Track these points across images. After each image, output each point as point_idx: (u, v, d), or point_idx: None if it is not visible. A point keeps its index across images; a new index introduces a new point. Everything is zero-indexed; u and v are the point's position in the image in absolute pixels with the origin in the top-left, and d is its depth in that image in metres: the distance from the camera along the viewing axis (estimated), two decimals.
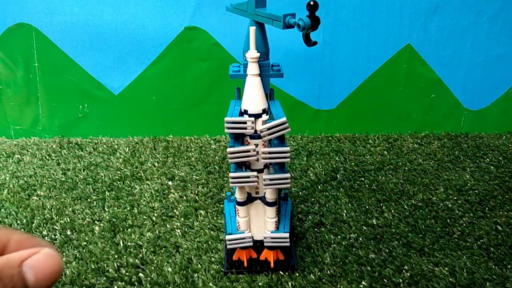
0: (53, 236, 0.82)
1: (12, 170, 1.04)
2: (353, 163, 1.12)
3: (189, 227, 0.86)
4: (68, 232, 0.83)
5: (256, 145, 0.68)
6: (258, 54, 0.65)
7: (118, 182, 1.00)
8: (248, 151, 0.65)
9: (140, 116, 1.25)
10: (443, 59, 1.29)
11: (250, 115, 0.66)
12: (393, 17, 1.23)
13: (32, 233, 0.82)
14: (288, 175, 0.67)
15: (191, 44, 1.21)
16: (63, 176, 1.02)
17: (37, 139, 1.21)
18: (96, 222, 0.87)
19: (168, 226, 0.86)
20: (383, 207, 0.94)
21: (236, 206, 0.73)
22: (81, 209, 0.90)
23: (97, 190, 0.97)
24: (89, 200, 0.94)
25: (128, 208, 0.91)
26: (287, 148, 0.65)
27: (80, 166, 1.07)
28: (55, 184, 0.99)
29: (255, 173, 0.67)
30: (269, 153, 0.65)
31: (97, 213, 0.89)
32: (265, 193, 0.71)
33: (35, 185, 0.98)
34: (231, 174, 0.67)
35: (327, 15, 1.21)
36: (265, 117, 0.67)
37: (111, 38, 1.18)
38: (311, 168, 1.09)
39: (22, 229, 0.83)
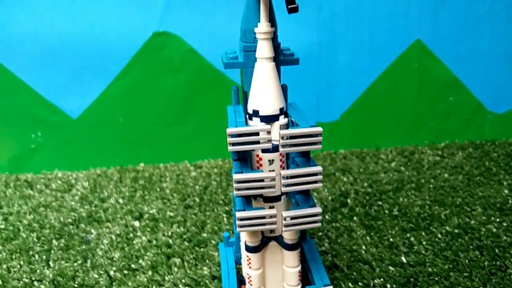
0: None
1: None
2: (365, 184, 0.91)
3: (158, 283, 0.64)
4: None
5: (271, 161, 0.47)
6: (273, 28, 0.45)
7: (71, 227, 0.79)
8: (263, 179, 0.44)
9: (104, 143, 1.05)
10: (459, 54, 1.10)
11: (263, 118, 0.46)
12: (398, 9, 1.05)
13: None
14: (318, 209, 0.46)
15: (161, 52, 1.01)
16: (3, 222, 0.81)
17: None
18: (35, 283, 0.65)
19: (130, 283, 0.64)
20: (411, 238, 0.72)
21: (246, 253, 0.51)
22: (19, 266, 0.69)
23: (42, 238, 0.76)
24: (30, 252, 0.72)
25: (80, 262, 0.69)
26: (319, 168, 0.44)
27: (25, 209, 0.85)
28: None
29: (273, 211, 0.46)
30: (292, 177, 0.44)
31: (38, 271, 0.67)
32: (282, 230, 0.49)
33: None
34: (239, 214, 0.46)
35: (320, 10, 1.03)
36: (283, 120, 0.47)
37: (65, 51, 0.99)
38: (315, 193, 0.88)
39: None
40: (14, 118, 1.02)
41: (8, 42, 0.97)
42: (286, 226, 0.46)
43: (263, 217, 0.46)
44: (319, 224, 0.47)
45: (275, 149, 0.47)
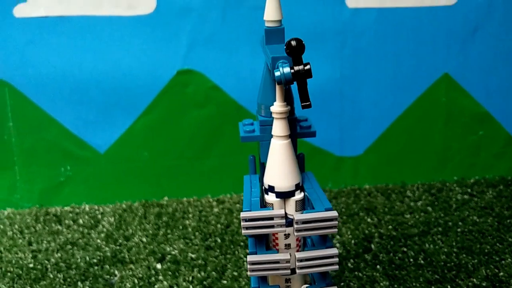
0: None
1: None
2: (390, 226, 0.89)
3: None
4: None
5: (287, 235, 0.47)
6: (289, 107, 0.45)
7: (96, 268, 0.81)
8: (278, 261, 0.44)
9: (130, 177, 1.07)
10: (489, 87, 1.07)
11: (278, 194, 0.46)
12: (424, 43, 1.03)
13: None
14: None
15: (186, 89, 1.03)
16: (32, 260, 0.83)
17: (12, 211, 1.03)
18: None
19: None
20: None
21: None
22: None
23: (68, 280, 0.78)
24: None
25: None
26: (335, 251, 0.44)
27: (53, 246, 0.88)
28: (21, 272, 0.80)
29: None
30: (306, 259, 0.44)
31: None
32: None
33: None
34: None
35: (344, 45, 1.02)
36: (299, 195, 0.47)
37: (93, 88, 1.02)
38: (337, 236, 0.87)
39: None
40: (45, 152, 1.06)
41: (40, 80, 1.01)
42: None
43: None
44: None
45: (290, 223, 0.46)
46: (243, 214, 0.43)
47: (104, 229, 0.93)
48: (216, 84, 1.03)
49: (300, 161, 0.53)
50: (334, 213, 0.43)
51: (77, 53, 1.00)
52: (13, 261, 0.84)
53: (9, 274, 0.80)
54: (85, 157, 1.06)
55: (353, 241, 0.85)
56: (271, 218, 0.44)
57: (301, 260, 0.45)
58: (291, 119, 0.49)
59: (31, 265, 0.82)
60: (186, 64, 1.02)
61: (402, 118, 1.07)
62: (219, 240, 0.87)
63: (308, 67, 0.39)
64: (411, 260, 0.78)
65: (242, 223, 0.43)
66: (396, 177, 1.08)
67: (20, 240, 0.91)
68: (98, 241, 0.89)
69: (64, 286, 0.76)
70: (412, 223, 0.90)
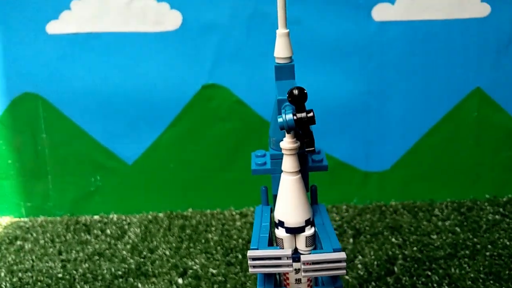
0: None
1: (10, 262, 0.90)
2: (415, 247, 0.87)
3: None
4: None
5: (297, 270, 0.47)
6: (298, 144, 0.45)
7: (120, 280, 0.83)
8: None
9: (156, 188, 1.09)
10: None
11: (288, 230, 0.46)
12: (455, 56, 1.00)
13: None
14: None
15: (210, 103, 1.04)
16: (61, 270, 0.87)
17: (44, 219, 1.08)
18: None
19: None
20: None
21: None
22: None
23: None
24: None
25: None
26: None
27: (82, 257, 0.91)
28: (50, 282, 0.84)
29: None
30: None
31: None
32: None
33: (28, 284, 0.83)
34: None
35: (370, 58, 1.00)
36: (309, 231, 0.47)
37: (120, 102, 1.05)
38: (360, 256, 0.85)
39: None
40: (76, 163, 1.10)
41: (71, 94, 1.05)
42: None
43: (279, 258, 0.44)
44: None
45: (299, 258, 0.46)
46: (250, 253, 0.43)
47: (130, 241, 0.96)
48: (240, 98, 1.03)
49: (313, 193, 0.52)
50: (342, 255, 0.42)
51: (106, 68, 1.03)
52: (44, 270, 0.87)
53: (39, 283, 0.84)
54: (114, 168, 1.09)
55: (375, 262, 0.83)
56: (279, 258, 0.43)
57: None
58: (302, 153, 0.48)
59: (60, 275, 0.86)
60: (211, 79, 1.03)
61: (431, 133, 1.04)
62: (240, 256, 0.88)
63: (311, 114, 0.39)
64: (435, 285, 0.76)
65: (249, 262, 0.43)
66: (424, 194, 1.05)
67: (51, 249, 0.95)
68: (124, 252, 0.92)
69: None
70: (439, 245, 0.87)
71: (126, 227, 1.02)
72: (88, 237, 0.99)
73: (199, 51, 1.02)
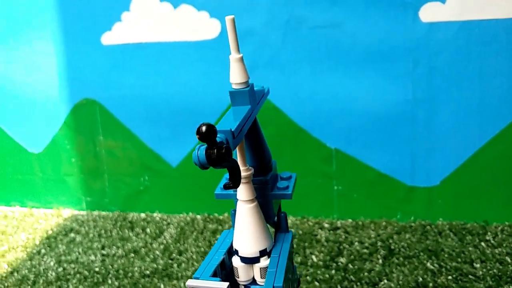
0: None
1: (59, 253, 1.01)
2: (450, 276, 0.77)
3: None
4: None
5: None
6: (251, 171, 0.44)
7: (147, 279, 0.88)
8: None
9: (196, 191, 1.13)
10: None
11: (242, 259, 0.45)
12: None
13: None
14: None
15: None
16: (99, 264, 0.95)
17: (98, 214, 1.18)
18: None
19: None
20: None
21: None
22: None
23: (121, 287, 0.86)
24: None
25: None
26: None
27: (120, 253, 0.98)
28: (87, 274, 0.92)
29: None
30: None
31: None
32: None
33: (70, 275, 0.92)
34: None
35: (417, 64, 0.91)
36: (264, 262, 0.45)
37: (164, 108, 1.10)
38: (385, 280, 0.79)
39: None
40: (128, 164, 1.18)
41: (122, 100, 1.13)
42: None
43: None
44: None
45: None
46: (188, 283, 0.43)
47: (164, 241, 1.00)
48: (275, 105, 1.02)
49: (282, 221, 0.50)
50: None
51: (152, 76, 1.09)
52: (85, 263, 0.96)
53: (78, 275, 0.92)
54: (160, 170, 1.15)
55: None
56: None
57: None
58: (265, 180, 0.46)
59: (97, 269, 0.93)
60: None
61: (487, 147, 0.92)
62: None
63: (222, 151, 0.36)
64: None
65: None
66: (477, 215, 0.94)
67: (96, 244, 1.03)
68: (157, 252, 0.97)
69: None
70: (480, 275, 0.77)
71: (165, 227, 1.07)
72: (130, 234, 1.06)
73: None
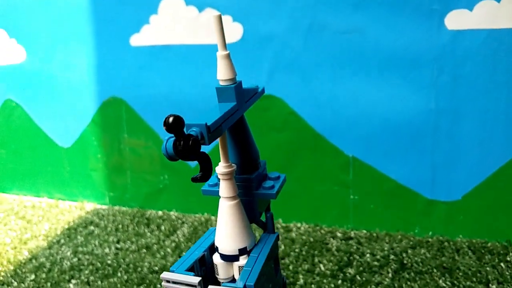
0: None
1: (77, 244, 1.04)
2: None
3: None
4: None
5: None
6: (233, 168, 0.44)
7: (154, 275, 0.89)
8: None
9: None
10: None
11: (222, 256, 0.45)
12: None
13: None
14: None
15: (265, 113, 1.04)
16: (112, 257, 0.97)
17: (118, 209, 1.22)
18: None
19: None
20: None
21: None
22: None
23: (129, 282, 0.88)
24: None
25: None
26: None
27: (133, 248, 1.00)
28: (99, 266, 0.94)
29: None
30: None
31: None
32: None
33: (83, 265, 0.95)
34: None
35: (441, 72, 0.88)
36: (243, 260, 0.45)
37: (187, 109, 1.12)
38: None
39: None
40: (149, 162, 1.20)
41: (147, 100, 1.16)
42: None
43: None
44: None
45: None
46: (163, 275, 0.43)
47: (176, 239, 1.02)
48: (294, 110, 1.01)
49: (268, 222, 0.49)
50: None
51: (176, 77, 1.11)
52: (99, 255, 0.99)
53: (91, 266, 0.95)
54: (179, 169, 1.17)
55: None
56: (191, 285, 0.42)
57: None
58: (250, 179, 0.46)
59: (109, 261, 0.96)
60: (267, 90, 1.02)
61: None
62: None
63: (188, 143, 0.36)
64: None
65: (163, 283, 0.43)
66: (499, 234, 0.88)
67: (112, 237, 1.06)
68: (168, 250, 0.98)
69: (123, 287, 0.87)
70: None
71: (179, 225, 1.08)
72: (146, 230, 1.08)
73: (257, 62, 1.03)
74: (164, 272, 0.43)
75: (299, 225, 1.02)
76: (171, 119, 0.35)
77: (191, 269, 0.44)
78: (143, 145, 1.20)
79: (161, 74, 1.13)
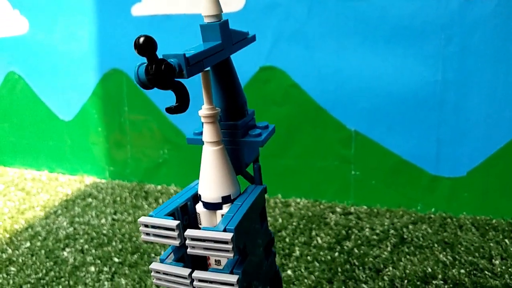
0: None
1: (73, 215, 1.03)
2: (464, 270, 0.71)
3: None
4: None
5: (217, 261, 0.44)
6: (218, 110, 0.42)
7: (149, 244, 0.88)
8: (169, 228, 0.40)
9: None
10: None
11: (205, 205, 0.43)
12: None
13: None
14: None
15: (266, 86, 1.01)
16: (108, 227, 0.96)
17: (118, 183, 1.20)
18: None
19: None
20: None
21: None
22: (91, 273, 0.80)
23: (123, 250, 0.87)
24: (108, 262, 0.83)
25: (136, 281, 0.77)
26: (233, 279, 0.38)
27: (130, 219, 0.99)
28: (94, 235, 0.93)
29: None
30: (204, 281, 0.40)
31: (100, 282, 0.77)
32: None
33: (78, 235, 0.94)
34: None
35: (449, 42, 0.85)
36: (226, 209, 0.43)
37: (187, 81, 1.09)
38: (390, 267, 0.73)
39: (34, 281, 0.78)
40: (150, 136, 1.19)
41: None
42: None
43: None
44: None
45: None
46: (140, 219, 0.41)
47: None
48: (296, 82, 0.98)
49: (255, 173, 0.47)
50: (227, 235, 0.37)
51: (177, 47, 1.08)
52: (96, 225, 0.97)
53: (86, 235, 0.93)
54: (179, 144, 1.15)
55: (407, 278, 0.70)
56: (172, 229, 0.40)
57: (199, 280, 0.40)
58: (235, 125, 0.44)
59: (104, 231, 0.94)
60: (268, 61, 1.00)
61: None
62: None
63: (161, 67, 0.33)
64: None
65: (140, 229, 0.41)
66: (505, 211, 0.85)
67: (109, 209, 1.05)
68: None
69: (117, 255, 0.85)
70: (498, 272, 0.69)
71: None
72: (144, 203, 1.07)
73: (259, 32, 0.99)
74: (143, 217, 0.41)
75: (298, 200, 1.00)
76: (141, 39, 0.33)
77: (172, 216, 0.42)
78: (143, 118, 1.18)
79: (162, 45, 1.11)
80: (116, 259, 0.84)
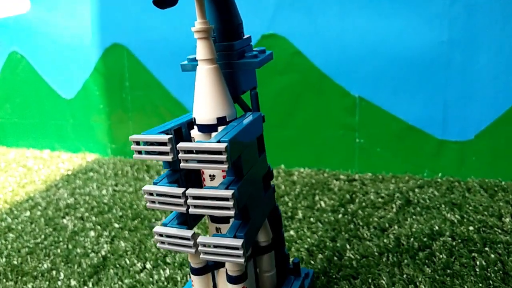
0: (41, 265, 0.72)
1: (74, 187, 1.02)
2: (472, 227, 0.68)
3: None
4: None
5: (212, 176, 0.43)
6: (211, 26, 0.41)
7: (150, 211, 0.86)
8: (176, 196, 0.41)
9: None
10: None
11: (199, 127, 0.42)
12: None
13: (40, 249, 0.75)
14: (238, 242, 0.38)
15: None
16: (108, 198, 0.95)
17: (120, 159, 1.19)
18: (92, 254, 0.74)
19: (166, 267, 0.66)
20: None
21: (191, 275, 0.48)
22: (90, 237, 0.79)
23: (124, 217, 0.85)
24: (109, 227, 0.82)
25: (136, 244, 0.75)
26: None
27: (131, 190, 0.98)
28: (96, 205, 0.92)
29: (188, 233, 0.41)
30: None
31: (99, 245, 0.76)
32: None
33: (79, 204, 0.93)
34: (156, 229, 0.43)
35: (454, 0, 0.82)
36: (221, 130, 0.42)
37: (189, 52, 1.08)
38: (396, 226, 0.71)
39: (33, 245, 0.77)
40: (152, 111, 1.18)
41: (149, 45, 1.13)
42: (204, 253, 0.40)
43: (180, 238, 0.40)
44: (240, 260, 0.38)
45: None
46: (131, 136, 0.40)
47: None
48: (299, 49, 0.96)
49: (252, 99, 0.45)
50: (221, 145, 0.35)
51: (178, 21, 1.08)
52: (96, 196, 0.96)
53: (86, 205, 0.92)
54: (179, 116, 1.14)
55: (413, 236, 0.68)
56: (164, 144, 0.38)
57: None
58: (231, 45, 0.42)
59: (105, 201, 0.93)
60: (270, 28, 0.99)
61: None
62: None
63: None
64: (477, 270, 0.59)
65: (132, 147, 0.40)
66: None
67: (111, 181, 1.04)
68: None
69: (117, 221, 0.84)
70: (508, 229, 0.67)
71: None
72: (145, 175, 1.05)
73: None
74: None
75: (302, 170, 0.98)
76: None
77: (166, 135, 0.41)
78: (145, 93, 1.17)
79: (162, 18, 1.10)
80: (116, 225, 0.83)
